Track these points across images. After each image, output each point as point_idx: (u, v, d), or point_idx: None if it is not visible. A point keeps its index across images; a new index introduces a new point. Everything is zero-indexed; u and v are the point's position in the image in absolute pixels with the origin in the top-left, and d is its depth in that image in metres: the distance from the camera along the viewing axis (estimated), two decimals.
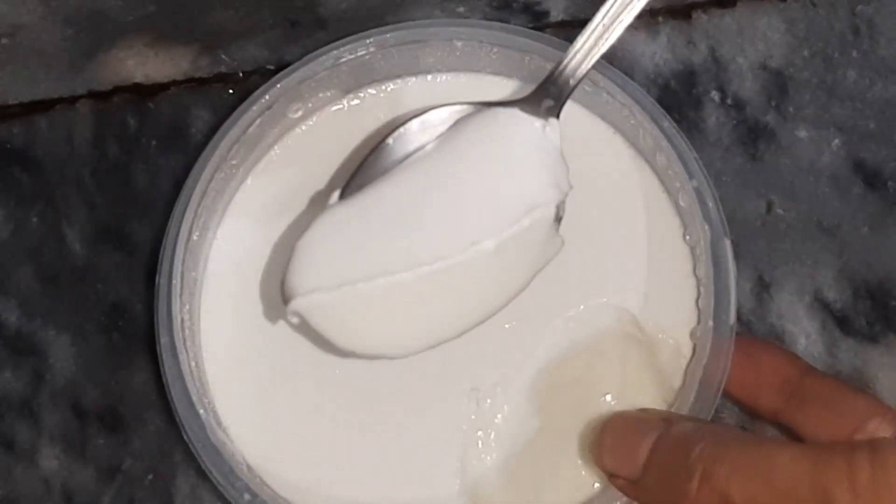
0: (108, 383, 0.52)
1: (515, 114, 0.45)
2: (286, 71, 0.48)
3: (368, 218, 0.44)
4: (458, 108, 0.46)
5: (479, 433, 0.47)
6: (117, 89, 0.53)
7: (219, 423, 0.47)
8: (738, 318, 0.46)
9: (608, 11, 0.44)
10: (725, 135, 0.51)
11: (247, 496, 0.44)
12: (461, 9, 0.51)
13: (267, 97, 0.47)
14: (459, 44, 0.48)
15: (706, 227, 0.45)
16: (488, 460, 0.47)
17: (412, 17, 0.51)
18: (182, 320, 0.46)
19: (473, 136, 0.45)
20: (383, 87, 0.50)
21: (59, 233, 0.53)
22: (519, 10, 0.51)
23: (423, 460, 0.47)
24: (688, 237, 0.48)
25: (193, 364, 0.47)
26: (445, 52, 0.48)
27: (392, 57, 0.48)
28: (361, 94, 0.50)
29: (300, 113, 0.49)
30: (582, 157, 0.47)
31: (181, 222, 0.46)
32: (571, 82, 0.45)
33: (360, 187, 0.45)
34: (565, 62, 0.45)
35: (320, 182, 0.49)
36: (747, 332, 0.50)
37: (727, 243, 0.45)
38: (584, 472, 0.46)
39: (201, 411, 0.45)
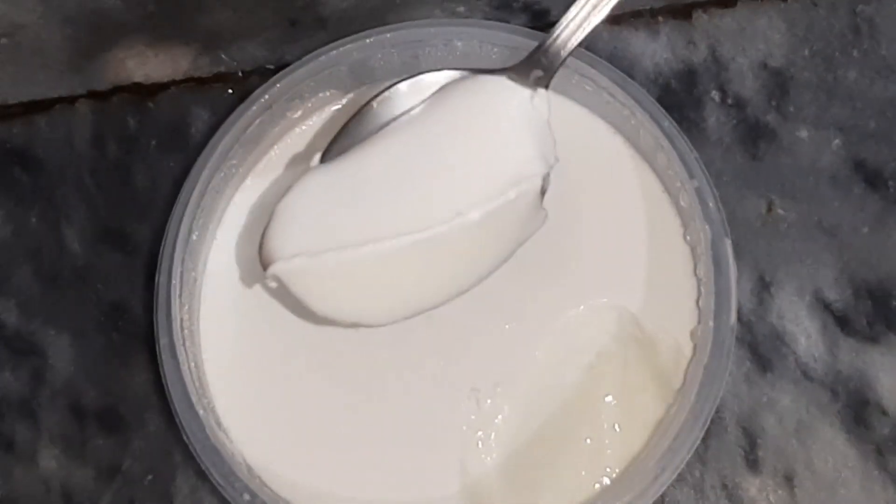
0: (108, 383, 0.52)
1: (503, 82, 0.44)
2: (286, 71, 0.48)
3: (351, 182, 0.43)
4: (444, 73, 0.45)
5: (480, 433, 0.47)
6: (117, 89, 0.53)
7: (218, 424, 0.47)
8: (739, 318, 0.46)
9: None
10: (726, 134, 0.51)
11: (246, 496, 0.44)
12: (461, 8, 0.51)
13: (267, 97, 0.47)
14: (459, 44, 0.48)
15: (707, 226, 0.45)
16: (488, 461, 0.47)
17: (412, 17, 0.51)
18: (182, 320, 0.46)
19: (460, 103, 0.44)
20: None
21: (59, 233, 0.53)
22: (519, 10, 0.51)
23: (424, 460, 0.47)
24: (688, 237, 0.48)
25: (193, 364, 0.47)
26: (445, 52, 0.48)
27: (392, 57, 0.48)
28: (361, 94, 0.50)
29: (300, 113, 0.49)
30: (582, 157, 0.48)
31: (181, 222, 0.46)
32: (562, 53, 0.44)
33: (343, 151, 0.44)
34: (557, 32, 0.44)
35: None
36: (748, 332, 0.49)
37: (728, 243, 0.45)
38: (584, 473, 0.46)
39: (201, 412, 0.45)
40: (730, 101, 0.51)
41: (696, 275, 0.48)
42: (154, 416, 0.51)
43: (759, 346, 0.49)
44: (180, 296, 0.46)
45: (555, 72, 0.44)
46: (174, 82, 0.53)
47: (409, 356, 0.48)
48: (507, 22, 0.50)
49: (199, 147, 0.48)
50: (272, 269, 0.43)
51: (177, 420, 0.45)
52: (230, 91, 0.53)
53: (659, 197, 0.48)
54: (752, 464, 0.49)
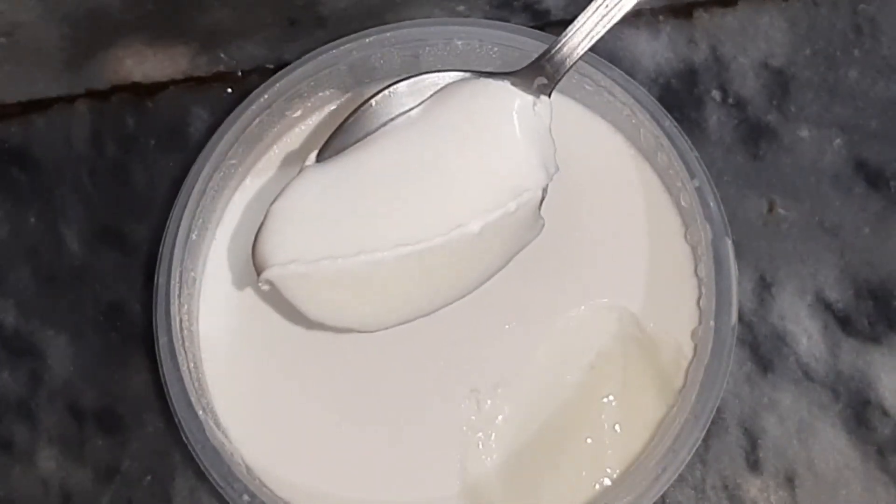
0: (107, 384, 0.52)
1: (506, 87, 0.44)
2: (285, 70, 0.48)
3: (348, 185, 0.43)
4: (445, 74, 0.45)
5: (480, 434, 0.47)
6: (116, 88, 0.53)
7: (217, 424, 0.47)
8: (740, 319, 0.46)
9: None
10: (727, 134, 0.50)
11: (245, 497, 0.44)
12: (461, 7, 0.51)
13: (266, 96, 0.47)
14: (459, 43, 0.48)
15: (707, 226, 0.45)
16: (489, 461, 0.47)
17: (412, 16, 0.51)
18: (181, 321, 0.46)
19: (461, 106, 0.43)
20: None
21: (57, 233, 0.53)
22: (519, 9, 0.51)
23: (424, 461, 0.47)
24: (689, 237, 0.48)
25: (192, 365, 0.46)
26: (445, 51, 0.48)
27: (392, 56, 0.48)
28: (361, 94, 0.50)
29: (299, 112, 0.49)
30: (583, 157, 0.47)
31: (180, 222, 0.46)
32: (568, 62, 0.43)
33: (340, 149, 0.44)
34: (563, 40, 0.43)
35: None
36: (749, 332, 0.49)
37: (728, 243, 0.45)
38: (584, 473, 0.46)
39: (200, 412, 0.45)
40: (731, 100, 0.51)
41: (696, 275, 0.47)
42: (153, 417, 0.51)
43: (760, 347, 0.49)
44: (179, 296, 0.46)
45: (559, 80, 0.44)
46: (173, 81, 0.53)
47: (409, 357, 0.47)
48: (508, 21, 0.50)
49: (198, 146, 0.48)
50: (266, 275, 0.42)
51: (176, 420, 0.45)
52: (229, 90, 0.53)
53: (660, 197, 0.48)
54: (753, 464, 0.49)
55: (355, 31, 0.48)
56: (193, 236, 0.47)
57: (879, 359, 0.49)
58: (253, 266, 0.43)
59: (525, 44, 0.47)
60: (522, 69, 0.44)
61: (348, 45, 0.47)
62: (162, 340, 0.45)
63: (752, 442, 0.49)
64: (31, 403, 0.52)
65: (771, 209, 0.50)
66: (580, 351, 0.47)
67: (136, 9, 0.49)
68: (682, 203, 0.47)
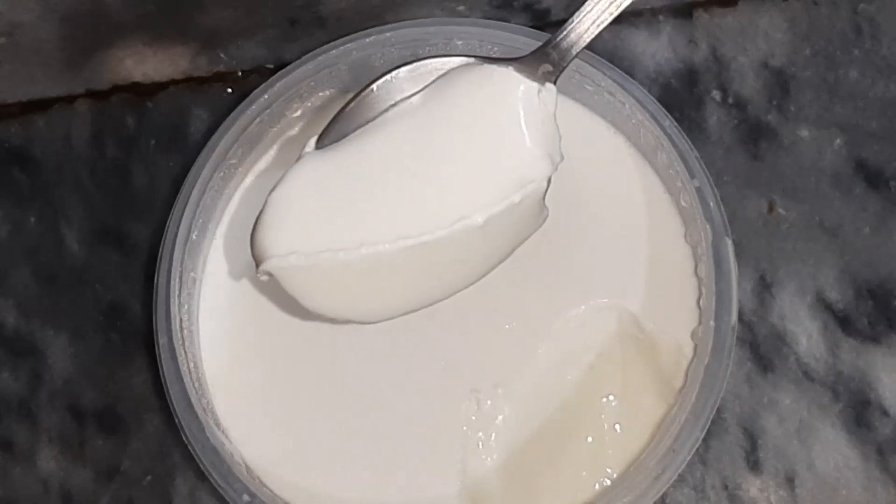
0: (107, 384, 0.52)
1: (510, 74, 0.43)
2: (285, 70, 0.48)
3: (348, 173, 0.42)
4: (448, 59, 0.44)
5: (480, 434, 0.47)
6: (116, 88, 0.53)
7: (217, 424, 0.47)
8: (740, 319, 0.46)
9: None
10: (727, 134, 0.50)
11: (245, 497, 0.44)
12: (461, 7, 0.51)
13: (266, 96, 0.47)
14: (459, 43, 0.48)
15: (707, 226, 0.45)
16: (489, 461, 0.47)
17: (412, 16, 0.51)
18: (181, 321, 0.46)
19: (464, 93, 0.42)
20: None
21: (58, 233, 0.53)
22: (519, 9, 0.51)
23: (424, 461, 0.47)
24: (689, 237, 0.48)
25: (192, 365, 0.46)
26: (445, 51, 0.48)
27: (392, 56, 0.48)
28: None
29: (299, 112, 0.49)
30: (583, 157, 0.47)
31: (180, 222, 0.46)
32: (574, 49, 0.43)
33: (340, 136, 0.43)
34: (570, 27, 0.43)
35: None
36: (749, 332, 0.49)
37: (728, 243, 0.45)
38: (584, 473, 0.46)
39: (200, 412, 0.45)
40: (731, 100, 0.51)
41: (696, 275, 0.47)
42: (153, 417, 0.51)
43: (760, 347, 0.49)
44: (179, 296, 0.46)
45: (564, 67, 0.43)
46: (173, 81, 0.53)
47: (409, 357, 0.47)
48: (508, 21, 0.50)
49: (198, 146, 0.48)
50: (265, 266, 0.42)
51: (176, 420, 0.45)
52: (229, 90, 0.53)
53: (660, 197, 0.48)
54: (753, 464, 0.49)
55: (355, 31, 0.48)
56: (193, 236, 0.47)
57: (879, 359, 0.49)
58: (252, 257, 0.42)
59: (525, 44, 0.47)
60: (527, 56, 0.43)
61: (348, 45, 0.47)
62: (162, 340, 0.45)
63: (752, 442, 0.49)
64: (31, 403, 0.52)
65: (771, 209, 0.50)
66: (580, 351, 0.47)
67: (136, 9, 0.49)
68: (682, 203, 0.47)
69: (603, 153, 0.49)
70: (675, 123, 0.46)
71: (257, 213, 0.43)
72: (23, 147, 0.53)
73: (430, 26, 0.48)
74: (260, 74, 0.52)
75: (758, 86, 0.51)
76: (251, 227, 0.49)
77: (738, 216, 0.50)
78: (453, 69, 0.43)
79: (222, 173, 0.47)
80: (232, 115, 0.47)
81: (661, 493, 0.44)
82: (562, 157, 0.43)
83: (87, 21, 0.50)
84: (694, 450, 0.44)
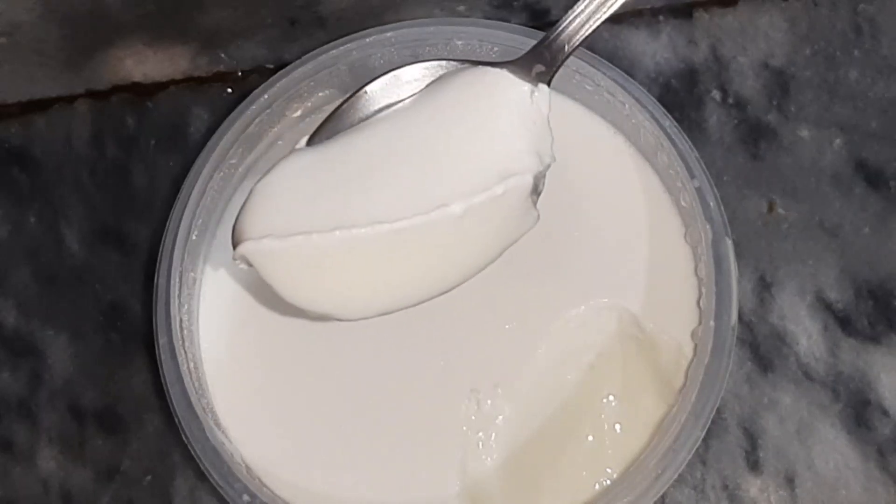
0: (107, 384, 0.52)
1: (503, 74, 0.43)
2: (285, 70, 0.48)
3: (333, 166, 0.42)
4: (443, 63, 0.44)
5: (480, 434, 0.47)
6: (116, 88, 0.53)
7: (217, 424, 0.47)
8: (740, 319, 0.46)
9: None
10: (727, 134, 0.50)
11: (245, 497, 0.44)
12: (461, 7, 0.51)
13: (266, 96, 0.47)
14: (459, 43, 0.48)
15: (707, 226, 0.45)
16: (489, 461, 0.47)
17: (412, 16, 0.51)
18: (181, 321, 0.46)
19: (456, 94, 0.43)
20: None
21: (58, 233, 0.53)
22: (519, 9, 0.51)
23: (424, 461, 0.47)
24: (689, 237, 0.48)
25: (192, 365, 0.46)
26: (445, 51, 0.48)
27: (392, 56, 0.48)
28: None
29: (299, 112, 0.49)
30: (583, 157, 0.47)
31: (180, 222, 0.46)
32: (567, 49, 0.43)
33: (332, 135, 0.43)
34: (562, 26, 0.43)
35: None
36: (749, 332, 0.49)
37: (728, 243, 0.45)
38: (584, 473, 0.46)
39: (200, 412, 0.45)
40: (731, 100, 0.51)
41: (696, 275, 0.47)
42: (153, 417, 0.51)
43: (760, 347, 0.49)
44: (179, 296, 0.46)
45: (558, 67, 0.43)
46: (173, 81, 0.53)
47: (408, 357, 0.47)
48: (508, 21, 0.50)
49: (198, 146, 0.48)
50: (240, 249, 0.41)
51: (176, 420, 0.45)
52: (229, 90, 0.53)
53: (660, 197, 0.48)
54: (753, 464, 0.49)
55: (355, 31, 0.48)
56: (193, 236, 0.47)
57: (879, 359, 0.49)
58: (231, 245, 0.42)
59: (525, 44, 0.47)
60: (520, 57, 0.43)
61: (348, 45, 0.47)
62: (162, 340, 0.45)
63: (752, 442, 0.49)
64: (31, 403, 0.52)
65: (771, 209, 0.50)
66: (580, 351, 0.47)
67: (136, 9, 0.49)
68: (682, 203, 0.47)
69: (603, 153, 0.49)
70: (675, 123, 0.46)
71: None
72: (23, 147, 0.53)
73: (429, 26, 0.48)
74: (260, 74, 0.52)
75: (758, 86, 0.51)
76: None
77: (738, 216, 0.50)
78: (448, 72, 0.44)
79: (222, 173, 0.47)
80: (232, 115, 0.47)
81: (661, 493, 0.44)
82: (553, 159, 0.43)
83: (87, 21, 0.50)
84: (694, 450, 0.44)
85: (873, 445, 0.48)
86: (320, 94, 0.49)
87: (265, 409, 0.48)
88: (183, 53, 0.52)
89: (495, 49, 0.47)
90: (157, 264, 0.46)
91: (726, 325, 0.45)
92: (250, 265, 0.42)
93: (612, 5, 0.42)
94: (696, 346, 0.47)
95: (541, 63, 0.43)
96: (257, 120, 0.47)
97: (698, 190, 0.46)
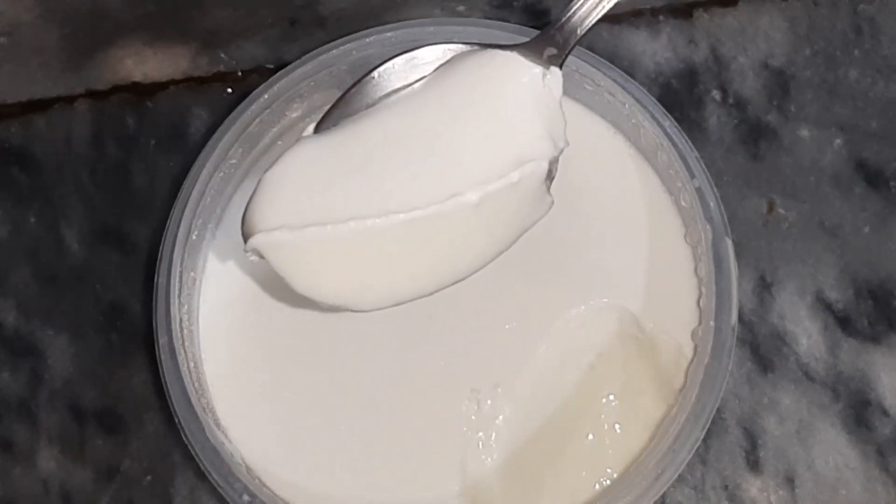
0: (107, 384, 0.52)
1: (514, 58, 0.42)
2: (285, 70, 0.48)
3: (343, 154, 0.41)
4: (452, 46, 0.43)
5: (480, 434, 0.47)
6: (116, 88, 0.53)
7: (217, 424, 0.47)
8: (740, 319, 0.46)
9: None
10: (727, 134, 0.50)
11: (245, 497, 0.44)
12: (461, 7, 0.51)
13: (266, 96, 0.47)
14: (459, 43, 0.48)
15: (707, 226, 0.45)
16: (489, 461, 0.47)
17: (412, 16, 0.51)
18: (181, 321, 0.46)
19: (466, 77, 0.42)
20: None
21: (58, 233, 0.53)
22: (519, 9, 0.51)
23: (424, 461, 0.47)
24: (689, 237, 0.48)
25: (192, 365, 0.46)
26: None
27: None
28: None
29: (299, 112, 0.49)
30: (583, 157, 0.47)
31: (180, 222, 0.46)
32: (579, 31, 0.42)
33: (339, 121, 0.43)
34: (574, 8, 0.42)
35: None
36: (749, 332, 0.49)
37: (729, 243, 0.45)
38: (584, 473, 0.46)
39: (200, 412, 0.45)
40: (731, 100, 0.51)
41: (696, 275, 0.47)
42: (153, 417, 0.51)
43: (760, 347, 0.49)
44: (179, 296, 0.46)
45: (570, 50, 0.42)
46: (173, 81, 0.53)
47: (408, 357, 0.47)
48: (508, 21, 0.50)
49: (198, 146, 0.48)
50: (252, 242, 0.41)
51: (176, 420, 0.45)
52: (229, 90, 0.53)
53: (660, 197, 0.48)
54: (754, 464, 0.49)
55: (355, 31, 0.48)
56: (193, 236, 0.47)
57: (879, 359, 0.49)
58: (241, 237, 0.41)
59: None
60: (532, 40, 0.42)
61: (348, 45, 0.47)
62: (162, 340, 0.45)
63: (752, 442, 0.49)
64: (31, 403, 0.52)
65: (771, 209, 0.50)
66: (580, 351, 0.47)
67: (136, 9, 0.49)
68: (682, 203, 0.47)
69: (603, 153, 0.49)
70: (675, 123, 0.46)
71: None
72: (23, 147, 0.53)
73: (430, 26, 0.48)
74: (260, 74, 0.52)
75: (758, 86, 0.51)
76: None
77: (738, 216, 0.50)
78: (457, 55, 0.43)
79: (222, 173, 0.47)
80: (232, 115, 0.47)
81: (661, 493, 0.44)
82: (566, 143, 0.42)
83: (87, 21, 0.50)
84: (694, 450, 0.44)
85: (873, 445, 0.48)
86: (320, 94, 0.49)
87: (265, 409, 0.48)
88: (183, 53, 0.52)
89: None
90: (157, 264, 0.46)
91: (726, 325, 0.45)
92: (262, 257, 0.41)
93: None
94: (696, 346, 0.47)
95: (552, 46, 0.42)
96: (257, 120, 0.47)
97: (698, 190, 0.46)
